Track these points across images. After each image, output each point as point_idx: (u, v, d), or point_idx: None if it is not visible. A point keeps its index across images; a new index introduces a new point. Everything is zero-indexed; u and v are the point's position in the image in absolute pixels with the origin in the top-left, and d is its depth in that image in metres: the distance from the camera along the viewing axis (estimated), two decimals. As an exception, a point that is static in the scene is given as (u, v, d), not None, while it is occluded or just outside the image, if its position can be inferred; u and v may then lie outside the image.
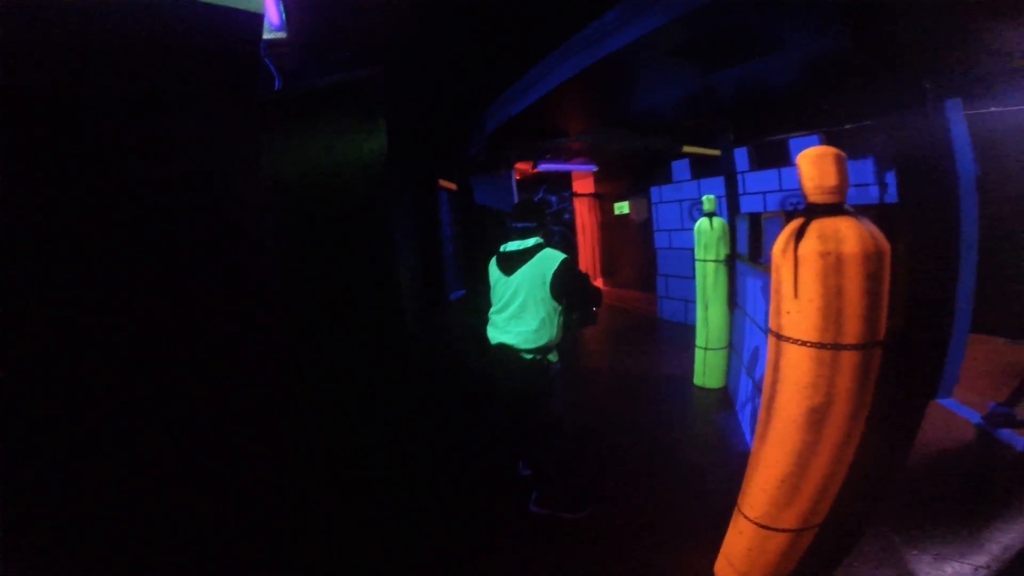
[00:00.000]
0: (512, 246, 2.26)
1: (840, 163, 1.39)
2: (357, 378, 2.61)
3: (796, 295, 1.43)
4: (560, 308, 2.17)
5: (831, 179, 1.38)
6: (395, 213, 2.53)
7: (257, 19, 1.29)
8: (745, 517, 1.71)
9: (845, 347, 1.36)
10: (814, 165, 1.40)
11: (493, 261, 2.38)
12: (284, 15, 2.93)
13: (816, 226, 1.38)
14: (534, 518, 2.39)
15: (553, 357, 2.25)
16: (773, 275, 1.53)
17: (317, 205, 2.59)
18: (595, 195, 10.47)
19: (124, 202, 1.07)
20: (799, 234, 1.41)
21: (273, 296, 1.31)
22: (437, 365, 3.36)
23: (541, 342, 2.16)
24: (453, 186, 4.91)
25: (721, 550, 1.88)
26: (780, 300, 1.50)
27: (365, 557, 2.09)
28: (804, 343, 1.41)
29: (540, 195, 9.63)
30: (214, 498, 1.23)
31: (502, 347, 2.25)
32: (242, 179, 1.25)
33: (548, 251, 2.16)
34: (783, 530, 1.61)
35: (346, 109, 2.55)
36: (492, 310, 2.36)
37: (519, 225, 2.24)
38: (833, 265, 1.34)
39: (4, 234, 0.94)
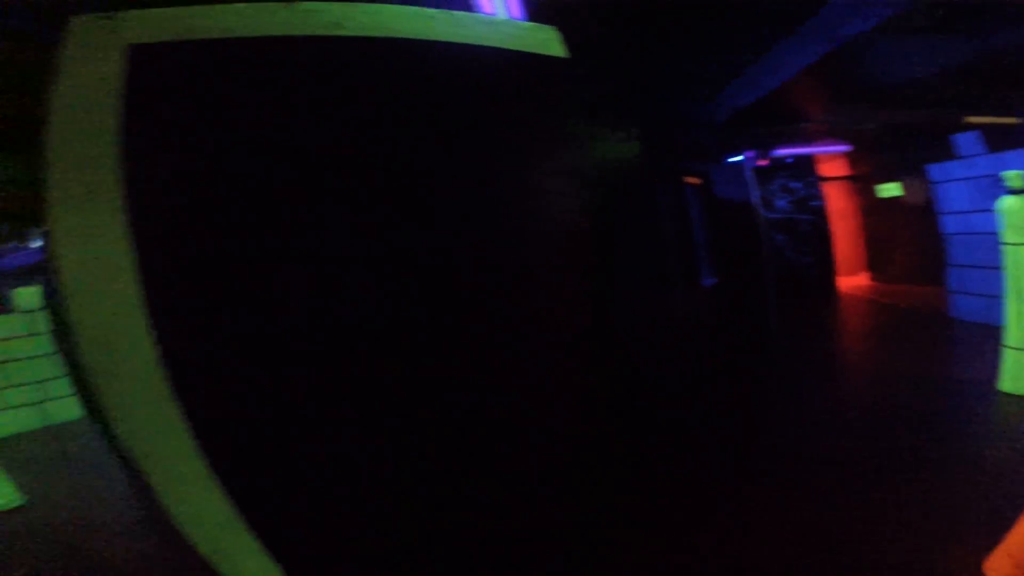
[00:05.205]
0: None
1: None
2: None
3: None
4: None
5: None
6: (650, 207, 2.95)
7: (559, 63, 1.68)
8: (1047, 501, 1.59)
9: None
10: None
11: None
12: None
13: None
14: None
15: None
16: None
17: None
18: (850, 177, 9.12)
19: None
20: None
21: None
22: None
23: None
24: (697, 181, 5.12)
25: (1002, 543, 1.73)
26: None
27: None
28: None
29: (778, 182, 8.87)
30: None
31: None
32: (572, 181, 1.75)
33: None
34: (1094, 517, 1.48)
35: (604, 119, 2.99)
36: None
37: None
38: None
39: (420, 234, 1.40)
